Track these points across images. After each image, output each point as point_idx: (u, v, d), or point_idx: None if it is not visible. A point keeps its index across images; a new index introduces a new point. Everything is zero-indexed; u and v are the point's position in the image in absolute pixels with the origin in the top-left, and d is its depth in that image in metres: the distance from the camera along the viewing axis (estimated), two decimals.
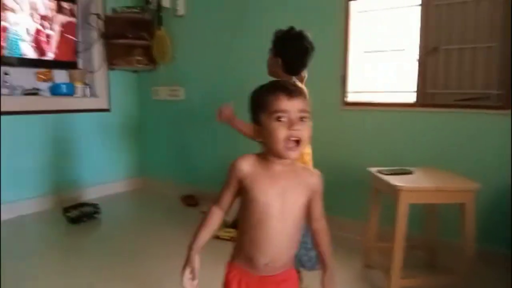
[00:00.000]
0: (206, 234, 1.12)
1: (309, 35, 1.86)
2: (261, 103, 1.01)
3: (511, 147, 2.27)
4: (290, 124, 0.96)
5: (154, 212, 3.43)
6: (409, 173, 2.11)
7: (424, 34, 2.50)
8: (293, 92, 0.98)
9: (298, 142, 0.98)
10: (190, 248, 1.11)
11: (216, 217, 1.12)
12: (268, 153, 1.03)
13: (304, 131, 0.98)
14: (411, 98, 2.62)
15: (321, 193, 1.12)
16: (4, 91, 3.14)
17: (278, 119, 0.97)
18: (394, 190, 1.89)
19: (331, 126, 2.89)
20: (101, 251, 2.60)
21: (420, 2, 2.51)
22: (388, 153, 2.67)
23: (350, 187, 2.81)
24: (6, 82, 3.20)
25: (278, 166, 1.04)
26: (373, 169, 2.20)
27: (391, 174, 2.07)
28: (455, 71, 2.45)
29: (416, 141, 2.59)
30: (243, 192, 1.07)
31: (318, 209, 1.13)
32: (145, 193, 4.09)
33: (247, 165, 1.05)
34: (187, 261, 1.10)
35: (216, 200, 1.13)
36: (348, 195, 2.83)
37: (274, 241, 1.04)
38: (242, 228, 1.10)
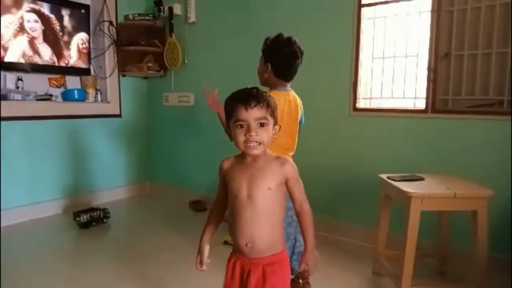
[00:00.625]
0: (210, 228, 1.34)
1: (297, 40, 1.94)
2: (227, 111, 1.20)
3: None
4: (248, 131, 1.14)
5: (162, 217, 3.44)
6: (420, 179, 2.09)
7: (435, 40, 2.50)
8: (251, 103, 1.13)
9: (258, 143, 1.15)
10: (200, 241, 1.32)
11: (215, 211, 1.34)
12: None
13: (262, 135, 1.15)
14: (422, 104, 2.60)
15: (295, 179, 1.23)
16: (17, 96, 3.20)
17: (240, 126, 1.16)
18: (406, 197, 1.88)
19: (341, 131, 2.89)
20: (109, 255, 2.61)
21: (430, 8, 2.51)
22: (399, 159, 2.65)
23: (359, 193, 2.79)
24: (19, 87, 3.26)
25: (249, 159, 1.21)
26: (384, 175, 2.18)
27: (402, 180, 2.05)
28: (467, 77, 2.43)
29: (427, 147, 2.57)
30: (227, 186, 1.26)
31: (297, 193, 1.25)
32: (154, 198, 4.11)
33: (227, 164, 1.27)
34: (198, 251, 1.32)
35: (215, 198, 1.36)
36: (357, 201, 2.82)
37: (248, 223, 1.19)
38: (228, 216, 1.27)
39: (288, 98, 1.95)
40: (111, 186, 3.94)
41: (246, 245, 1.19)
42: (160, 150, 4.22)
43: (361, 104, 2.86)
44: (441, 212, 2.23)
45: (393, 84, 2.76)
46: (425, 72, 2.56)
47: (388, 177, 2.13)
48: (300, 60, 1.94)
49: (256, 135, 1.14)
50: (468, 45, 2.41)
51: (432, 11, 2.50)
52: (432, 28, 2.50)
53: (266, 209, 1.19)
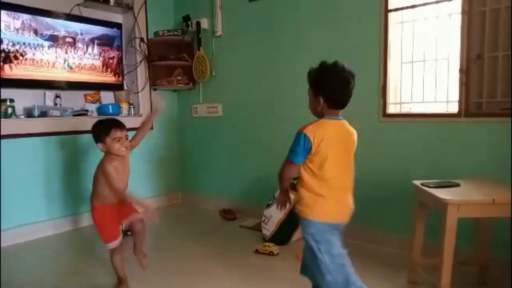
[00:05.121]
0: None
1: (344, 64, 1.74)
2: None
3: None
4: (122, 142, 2.28)
5: (194, 226, 3.50)
6: (456, 185, 2.03)
7: (467, 42, 2.44)
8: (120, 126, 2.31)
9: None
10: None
11: None
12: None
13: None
14: (455, 108, 2.54)
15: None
16: (55, 112, 3.36)
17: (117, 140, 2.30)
18: (442, 204, 1.83)
19: (372, 138, 2.84)
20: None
21: (461, 10, 2.46)
22: (432, 165, 2.59)
23: (393, 200, 2.73)
24: (57, 104, 3.42)
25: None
26: (417, 182, 2.14)
27: (437, 187, 2.00)
28: (501, 79, 2.36)
29: (461, 152, 2.49)
30: None
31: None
32: (185, 208, 4.19)
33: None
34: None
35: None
36: (391, 209, 2.76)
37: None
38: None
39: (341, 128, 1.83)
40: (144, 197, 4.03)
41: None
42: (190, 160, 4.30)
43: (391, 109, 2.82)
44: (479, 219, 2.15)
45: (423, 88, 2.71)
46: (457, 75, 2.50)
47: (422, 184, 2.09)
48: (352, 84, 1.74)
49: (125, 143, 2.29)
50: (502, 46, 2.34)
51: (463, 12, 2.45)
52: (463, 30, 2.45)
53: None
